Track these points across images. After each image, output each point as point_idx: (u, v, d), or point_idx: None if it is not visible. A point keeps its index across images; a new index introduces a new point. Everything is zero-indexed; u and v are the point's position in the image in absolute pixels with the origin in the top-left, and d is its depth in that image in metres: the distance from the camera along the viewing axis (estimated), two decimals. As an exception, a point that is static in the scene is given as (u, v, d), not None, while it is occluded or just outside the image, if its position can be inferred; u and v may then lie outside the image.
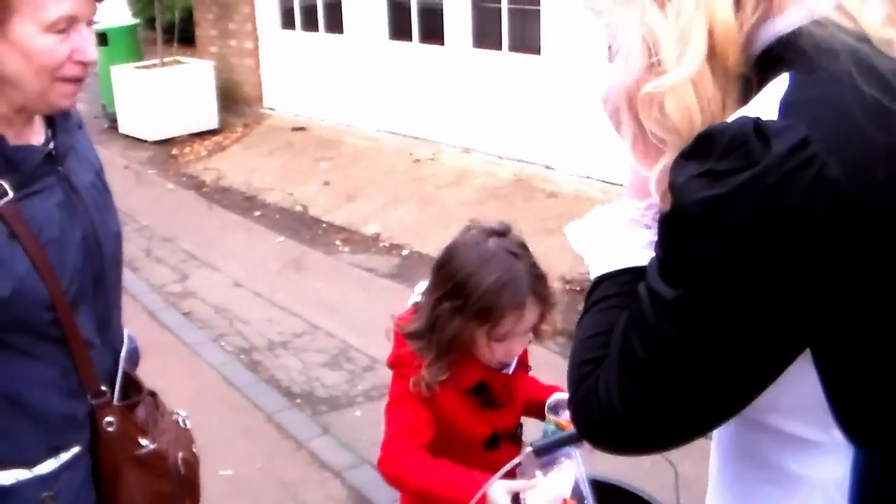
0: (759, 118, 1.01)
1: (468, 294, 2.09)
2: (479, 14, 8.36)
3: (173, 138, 10.78)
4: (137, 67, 11.05)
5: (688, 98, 1.09)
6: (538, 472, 2.14)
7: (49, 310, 1.81)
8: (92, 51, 1.77)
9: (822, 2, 1.09)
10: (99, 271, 1.95)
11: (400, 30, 9.06)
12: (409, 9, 8.85)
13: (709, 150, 1.02)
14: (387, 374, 2.38)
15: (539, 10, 7.52)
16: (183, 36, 12.34)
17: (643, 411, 1.13)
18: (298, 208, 8.08)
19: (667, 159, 1.13)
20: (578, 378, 1.22)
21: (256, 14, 10.81)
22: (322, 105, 10.07)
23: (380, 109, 9.27)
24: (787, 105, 1.02)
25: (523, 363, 2.36)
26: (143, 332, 6.05)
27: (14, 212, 1.76)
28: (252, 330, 5.76)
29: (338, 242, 7.20)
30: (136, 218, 8.16)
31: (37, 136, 1.90)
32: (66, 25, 1.72)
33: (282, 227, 7.66)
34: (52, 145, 1.89)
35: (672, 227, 1.07)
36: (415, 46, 8.87)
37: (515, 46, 7.97)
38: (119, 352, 2.07)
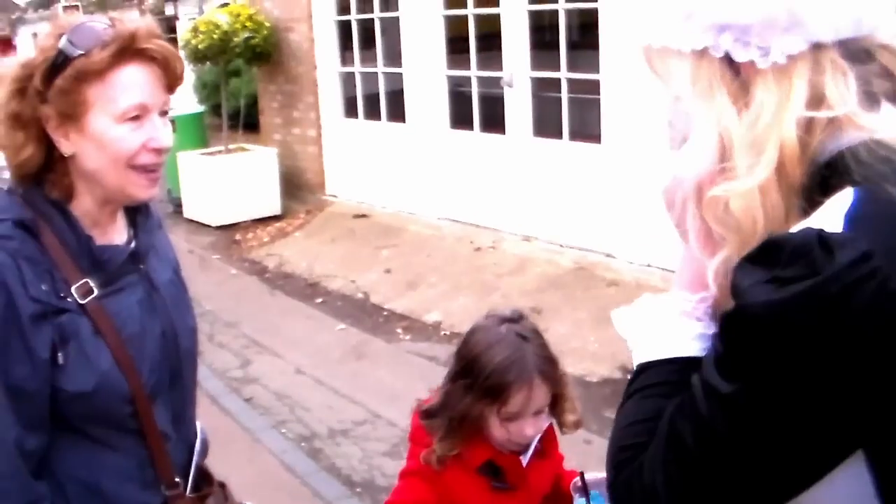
0: (822, 230, 1.04)
1: (478, 372, 2.21)
2: (540, 103, 8.46)
3: (237, 224, 10.96)
4: (203, 154, 11.31)
5: (753, 203, 1.13)
6: None
7: (129, 403, 1.88)
8: (165, 138, 1.87)
9: (885, 127, 1.13)
10: (176, 366, 2.01)
11: (461, 119, 9.19)
12: (471, 98, 8.98)
13: (774, 258, 1.06)
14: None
15: (599, 99, 7.60)
16: (248, 122, 12.62)
17: (688, 499, 1.15)
18: (360, 295, 8.14)
19: (726, 252, 1.17)
20: (619, 463, 1.25)
21: (320, 103, 11.02)
22: (384, 193, 10.20)
23: (441, 197, 9.36)
24: (851, 219, 1.05)
25: (548, 452, 2.40)
26: (204, 417, 6.07)
27: (99, 308, 1.84)
28: (313, 417, 5.78)
29: (399, 330, 7.23)
30: (200, 302, 8.24)
31: (120, 235, 1.98)
32: (137, 114, 1.81)
33: (343, 315, 7.71)
34: (133, 244, 1.96)
35: (734, 326, 1.09)
36: (476, 135, 8.99)
37: (575, 135, 8.04)
38: (192, 444, 2.12)
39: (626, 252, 7.46)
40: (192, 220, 11.40)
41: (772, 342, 1.04)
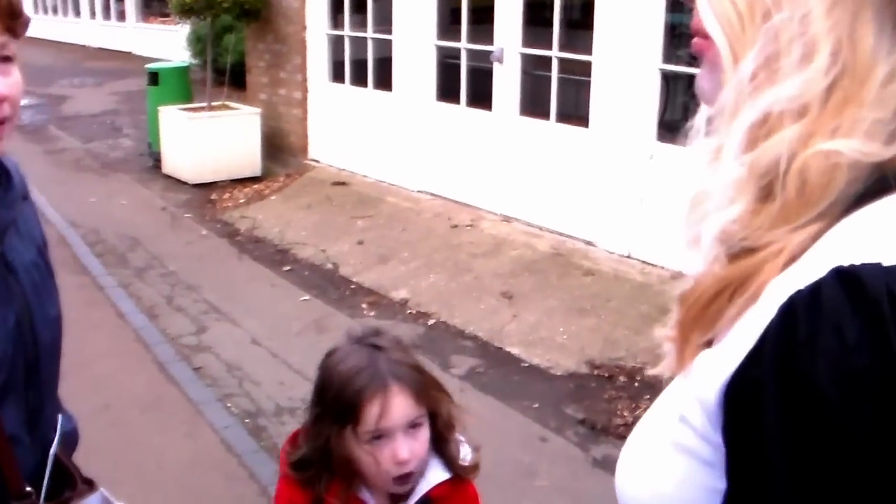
0: (891, 269, 0.80)
1: (326, 392, 1.92)
2: (529, 81, 8.18)
3: (214, 183, 10.67)
4: (184, 109, 10.99)
5: (841, 176, 0.86)
6: None
7: None
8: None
9: None
10: (33, 360, 1.72)
11: (448, 92, 8.91)
12: (459, 71, 8.70)
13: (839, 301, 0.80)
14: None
15: (589, 82, 7.32)
16: (238, 80, 12.34)
17: None
18: (329, 266, 7.87)
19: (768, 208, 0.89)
20: None
21: (308, 65, 10.71)
22: (365, 161, 9.93)
23: (423, 170, 9.10)
24: None
25: None
26: (149, 384, 5.83)
27: None
28: (262, 392, 5.52)
29: (364, 306, 6.96)
30: (164, 262, 8.01)
31: None
32: None
33: (309, 285, 7.44)
34: None
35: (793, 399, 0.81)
36: (462, 110, 8.70)
37: (563, 117, 7.76)
38: (50, 445, 1.84)
39: (606, 241, 7.21)
40: (169, 177, 11.12)
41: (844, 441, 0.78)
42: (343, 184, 9.94)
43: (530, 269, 7.24)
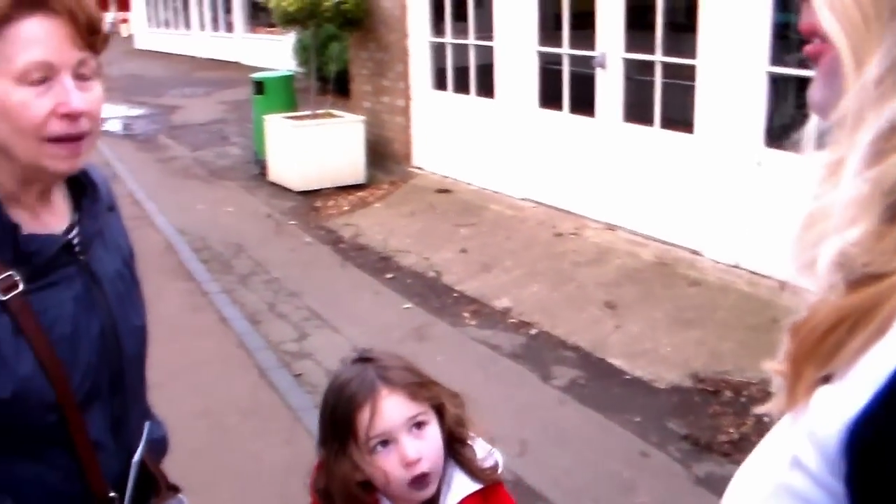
0: None
1: (324, 415, 1.92)
2: (632, 87, 8.05)
3: (319, 190, 10.75)
4: (288, 118, 11.11)
5: None
6: None
7: (54, 411, 1.61)
8: (77, 101, 1.54)
9: None
10: (117, 369, 1.74)
11: (550, 98, 8.82)
12: (561, 77, 8.60)
13: None
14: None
15: (694, 86, 7.16)
16: (343, 88, 12.45)
17: None
18: (432, 274, 7.85)
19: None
20: None
21: (410, 73, 10.74)
22: (469, 168, 9.90)
23: (526, 178, 9.03)
24: None
25: None
26: (250, 390, 5.87)
27: (23, 305, 1.56)
28: (361, 401, 5.51)
29: (466, 314, 6.91)
30: (268, 269, 8.09)
31: (59, 220, 1.70)
32: (42, 76, 1.51)
33: (411, 293, 7.42)
34: (74, 233, 1.69)
35: None
36: (565, 116, 8.61)
37: (667, 123, 7.61)
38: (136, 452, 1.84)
39: (712, 250, 7.03)
40: (274, 184, 11.26)
41: None
42: (446, 191, 9.93)
43: (634, 278, 7.11)
